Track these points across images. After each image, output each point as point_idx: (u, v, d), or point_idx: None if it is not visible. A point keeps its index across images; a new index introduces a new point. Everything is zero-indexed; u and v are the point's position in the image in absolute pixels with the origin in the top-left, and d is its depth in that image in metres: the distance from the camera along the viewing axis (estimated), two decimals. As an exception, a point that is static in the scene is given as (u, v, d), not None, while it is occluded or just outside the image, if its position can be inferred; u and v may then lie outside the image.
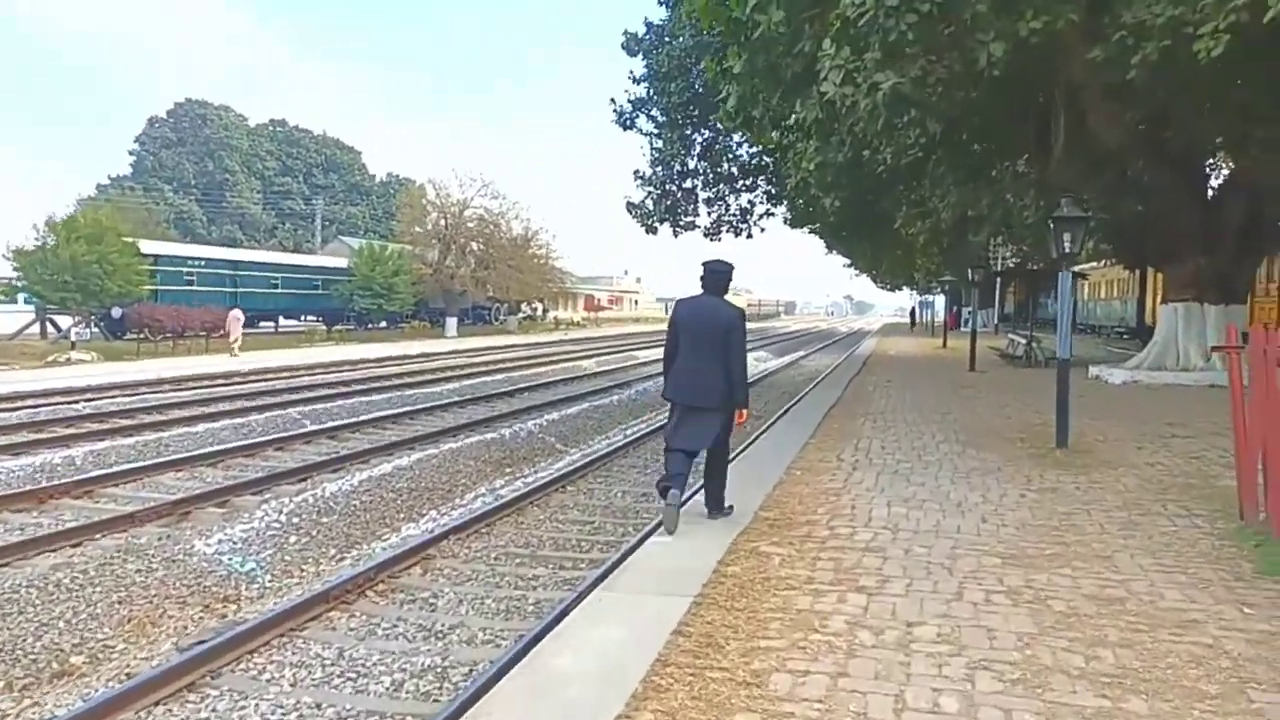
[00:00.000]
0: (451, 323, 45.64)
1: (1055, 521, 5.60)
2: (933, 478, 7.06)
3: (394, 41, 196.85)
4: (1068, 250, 8.40)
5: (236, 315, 29.65)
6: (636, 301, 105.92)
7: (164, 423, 14.11)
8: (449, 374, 23.17)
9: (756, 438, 9.77)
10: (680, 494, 5.42)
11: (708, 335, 5.54)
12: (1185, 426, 9.94)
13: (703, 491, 6.09)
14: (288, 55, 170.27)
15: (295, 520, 8.56)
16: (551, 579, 6.79)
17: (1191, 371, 14.60)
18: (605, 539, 8.00)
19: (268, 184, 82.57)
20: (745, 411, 5.75)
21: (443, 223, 46.35)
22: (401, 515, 9.50)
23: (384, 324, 45.30)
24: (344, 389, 19.41)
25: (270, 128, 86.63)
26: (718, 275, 5.73)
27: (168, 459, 11.21)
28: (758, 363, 30.33)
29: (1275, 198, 13.72)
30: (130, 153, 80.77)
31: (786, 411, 12.00)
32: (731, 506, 5.90)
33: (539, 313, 62.16)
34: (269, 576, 7.45)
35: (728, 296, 5.86)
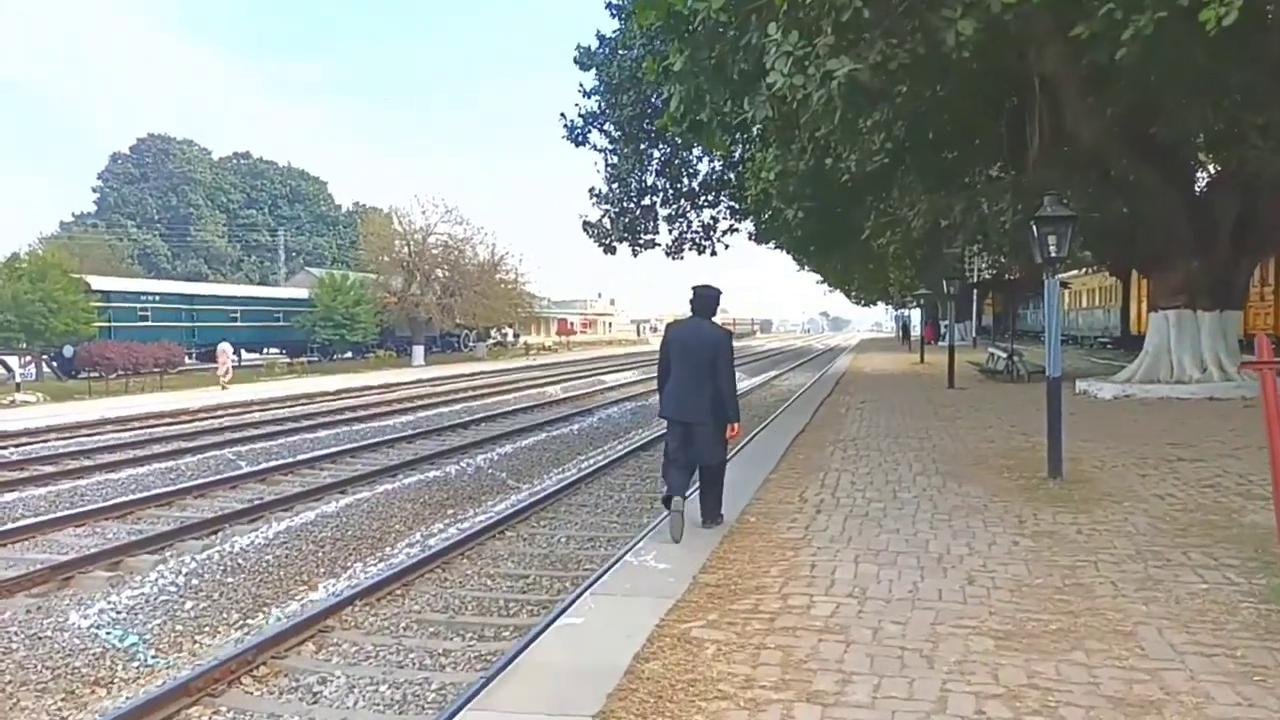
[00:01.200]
0: (418, 351, 44.48)
1: (1057, 579, 4.59)
2: (909, 522, 6.05)
3: (362, 73, 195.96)
4: (1053, 255, 7.47)
5: (225, 348, 29.59)
6: (610, 324, 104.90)
7: (86, 469, 12.98)
8: (406, 406, 22.05)
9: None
10: (684, 500, 5.80)
11: (697, 356, 5.94)
12: (1190, 447, 9.02)
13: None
14: (252, 92, 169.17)
15: (195, 582, 7.51)
16: (464, 655, 5.71)
17: (1187, 384, 13.70)
18: (538, 598, 6.92)
19: (233, 217, 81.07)
20: (736, 426, 6.11)
21: (406, 250, 45.29)
22: (321, 570, 8.44)
23: (349, 354, 44.07)
24: (292, 425, 18.26)
25: (234, 160, 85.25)
26: (706, 299, 6.16)
27: (73, 511, 10.12)
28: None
29: (1272, 193, 12.92)
30: (94, 189, 79.11)
31: (751, 439, 10.99)
32: (723, 516, 6.17)
33: (509, 338, 61.01)
34: (152, 652, 6.40)
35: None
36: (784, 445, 10.08)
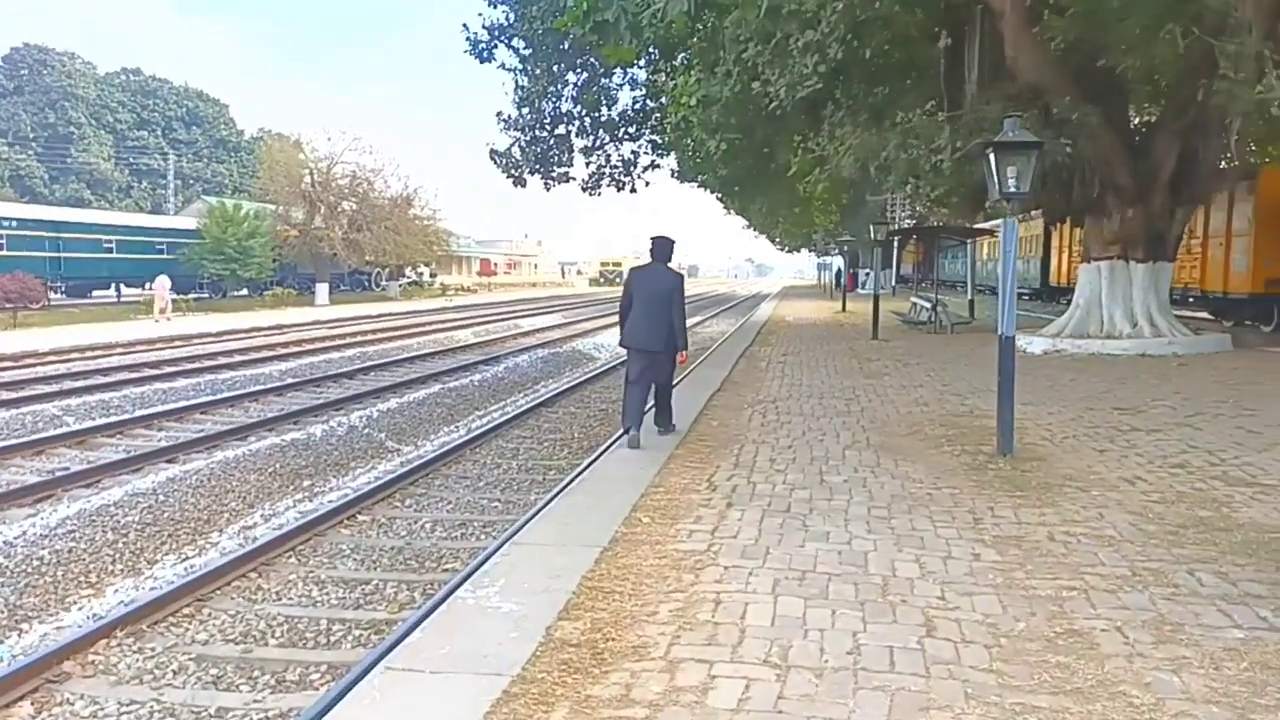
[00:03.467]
0: (322, 289, 41.65)
1: (1043, 622, 3.36)
2: (841, 521, 4.77)
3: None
4: (1014, 190, 6.22)
5: (163, 281, 29.48)
6: (536, 266, 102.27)
7: None
8: (291, 350, 19.96)
9: (608, 447, 7.36)
10: (639, 433, 6.99)
11: (655, 296, 7.04)
12: (1139, 413, 8.06)
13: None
14: (157, 10, 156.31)
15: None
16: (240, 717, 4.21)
17: (1119, 339, 12.93)
18: (372, 617, 5.43)
19: (120, 138, 74.74)
20: (684, 354, 7.29)
21: (308, 180, 42.03)
22: (119, 568, 6.78)
23: (244, 292, 41.01)
24: (151, 372, 16.14)
25: (122, 77, 78.29)
26: (663, 247, 7.29)
27: None
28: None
29: (1212, 137, 12.05)
30: (-41, 102, 71.75)
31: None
32: (675, 425, 7.45)
33: (425, 278, 58.24)
34: None
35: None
36: (697, 408, 8.76)
